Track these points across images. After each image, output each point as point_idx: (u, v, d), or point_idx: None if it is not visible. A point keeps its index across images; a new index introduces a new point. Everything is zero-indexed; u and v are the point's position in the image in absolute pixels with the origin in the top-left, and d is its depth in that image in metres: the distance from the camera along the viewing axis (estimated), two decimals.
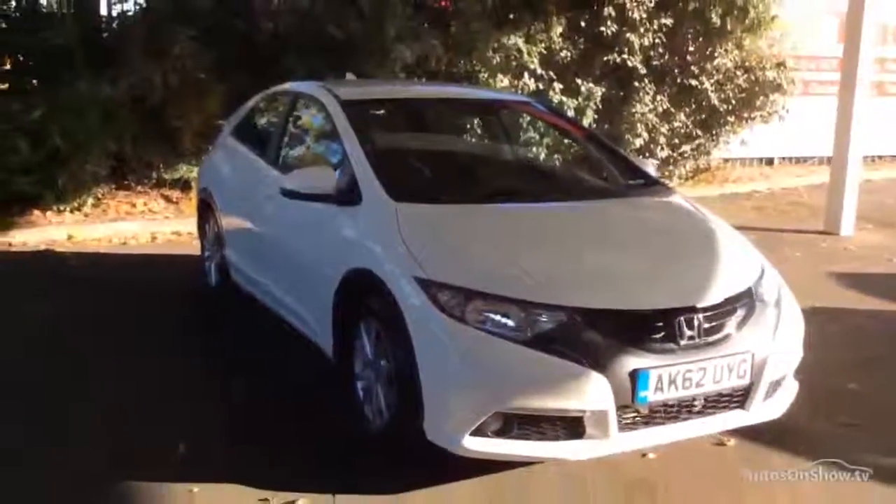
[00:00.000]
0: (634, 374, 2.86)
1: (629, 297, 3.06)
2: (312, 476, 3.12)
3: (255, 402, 3.83)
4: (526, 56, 8.95)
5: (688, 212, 3.98)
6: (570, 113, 9.40)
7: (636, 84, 9.74)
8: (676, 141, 10.34)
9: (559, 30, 9.28)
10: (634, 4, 9.34)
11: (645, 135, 9.87)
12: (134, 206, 7.86)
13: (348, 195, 3.60)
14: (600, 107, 9.70)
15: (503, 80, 9.01)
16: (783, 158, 12.66)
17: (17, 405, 3.74)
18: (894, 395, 4.24)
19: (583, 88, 9.48)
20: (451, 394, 2.94)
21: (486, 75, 8.90)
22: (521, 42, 8.91)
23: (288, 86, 4.99)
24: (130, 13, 9.16)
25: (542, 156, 4.99)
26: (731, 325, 3.13)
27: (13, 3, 9.44)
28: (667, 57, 9.84)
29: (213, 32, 8.24)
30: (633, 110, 9.75)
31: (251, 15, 8.41)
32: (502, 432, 2.90)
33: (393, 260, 3.21)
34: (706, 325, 3.04)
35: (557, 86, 9.33)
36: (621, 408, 2.91)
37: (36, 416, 3.64)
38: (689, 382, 2.96)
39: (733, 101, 10.20)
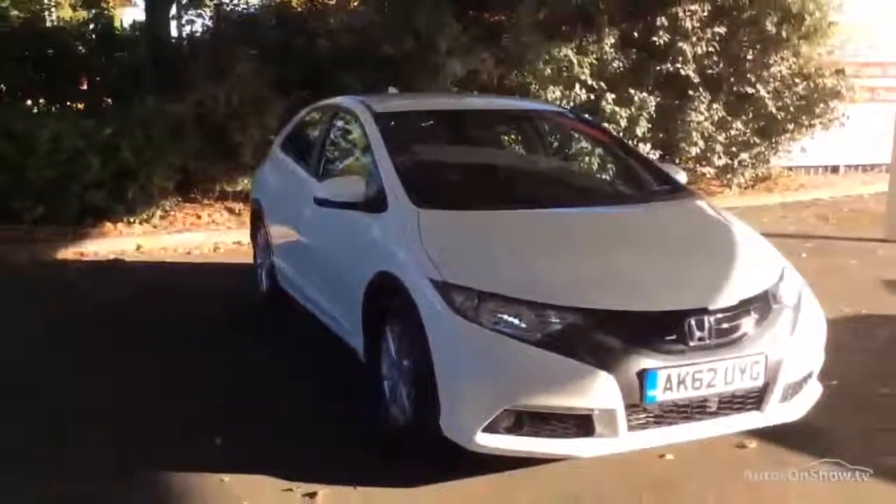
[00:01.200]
0: (642, 374, 2.93)
1: (639, 299, 3.13)
2: (337, 471, 3.28)
3: (295, 402, 4.04)
4: (577, 67, 9.06)
5: (710, 217, 4.03)
6: (623, 123, 9.49)
7: (691, 93, 9.74)
8: (734, 149, 10.27)
9: (611, 40, 9.36)
10: (688, 14, 9.35)
11: (701, 143, 9.84)
12: (199, 217, 8.25)
13: (375, 202, 3.78)
14: (654, 116, 9.75)
15: (555, 92, 9.14)
16: (850, 166, 12.40)
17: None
18: None
19: (636, 98, 9.53)
20: (463, 391, 3.07)
21: (536, 87, 9.06)
22: (571, 53, 9.03)
23: (329, 100, 5.22)
24: (198, 34, 9.64)
25: (588, 165, 5.07)
26: (744, 326, 3.17)
27: (90, 27, 10.07)
28: (722, 65, 9.80)
29: (274, 52, 8.64)
30: (688, 119, 9.74)
31: (310, 34, 8.75)
32: (514, 429, 3.00)
33: (412, 263, 3.36)
34: (718, 327, 3.09)
35: (610, 96, 9.42)
36: (630, 407, 2.97)
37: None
38: (700, 383, 3.02)
39: (792, 109, 10.10)
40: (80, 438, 3.59)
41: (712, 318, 3.09)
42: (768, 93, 9.88)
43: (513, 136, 4.78)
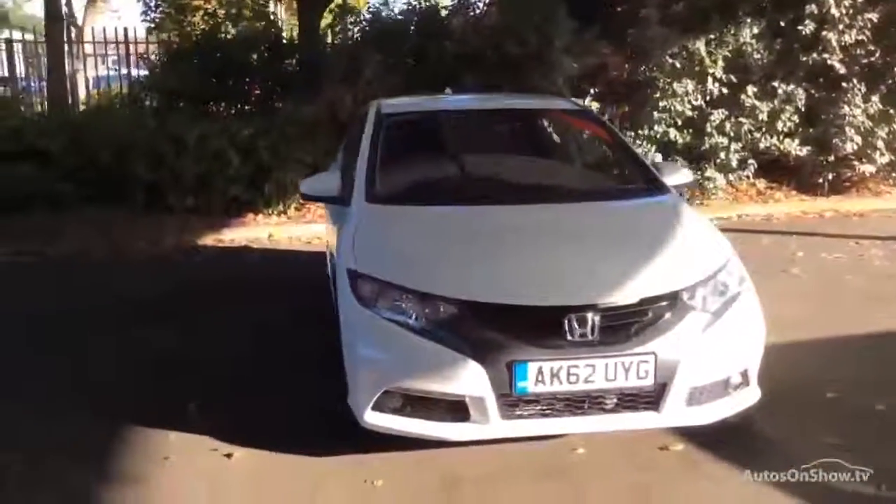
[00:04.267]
0: (511, 366, 3.04)
1: (524, 294, 3.19)
2: (269, 439, 3.59)
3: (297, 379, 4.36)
4: (708, 60, 8.74)
5: (664, 215, 3.93)
6: (762, 117, 9.02)
7: (844, 85, 9.02)
8: None
9: (753, 30, 8.91)
10: (836, 1, 8.69)
11: (857, 139, 9.08)
12: None
13: (348, 197, 4.09)
14: (802, 110, 9.16)
15: (688, 86, 8.89)
16: None
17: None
18: None
19: (780, 91, 9.02)
20: (355, 371, 3.31)
21: (664, 82, 8.86)
22: (702, 46, 8.72)
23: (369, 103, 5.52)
24: (340, 41, 10.38)
25: (575, 162, 4.87)
26: (638, 325, 3.15)
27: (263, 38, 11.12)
28: (878, 55, 8.97)
29: (406, 55, 9.14)
30: (841, 112, 9.04)
31: (440, 38, 9.15)
32: (399, 410, 3.22)
33: (343, 253, 3.63)
34: (606, 324, 3.11)
35: (751, 89, 8.99)
36: (503, 396, 3.08)
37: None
38: (576, 378, 3.06)
39: None
40: None
41: (598, 316, 3.11)
42: None
43: (511, 134, 4.80)
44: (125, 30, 11.31)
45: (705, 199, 9.18)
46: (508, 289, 3.23)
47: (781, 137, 9.26)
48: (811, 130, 9.29)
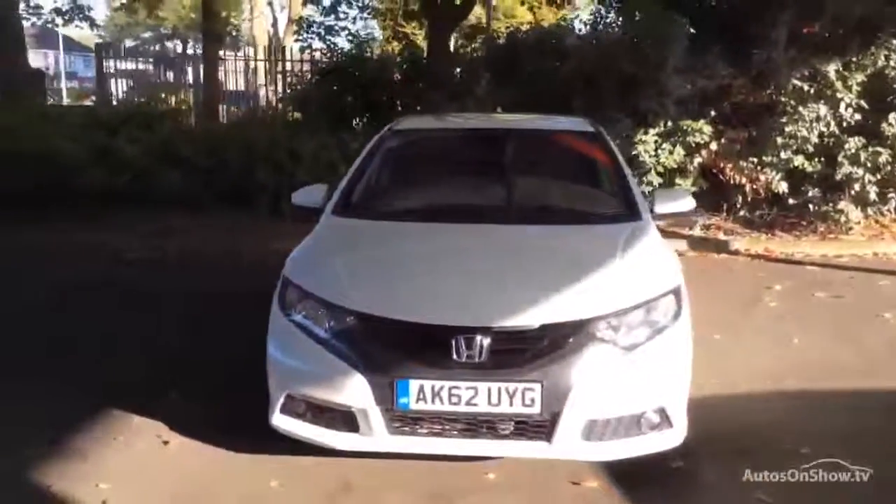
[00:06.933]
0: (393, 382, 3.02)
1: (416, 311, 3.13)
2: (212, 432, 3.72)
3: None
4: (838, 85, 8.06)
5: (619, 242, 3.69)
6: None
7: None
8: None
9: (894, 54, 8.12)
10: None
11: None
12: None
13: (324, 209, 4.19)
14: None
15: (819, 110, 8.23)
16: None
17: None
18: None
19: None
20: (269, 375, 3.38)
21: (790, 105, 8.27)
22: (832, 69, 8.06)
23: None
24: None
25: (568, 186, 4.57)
26: (531, 351, 3.03)
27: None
28: None
29: (517, 74, 9.19)
30: None
31: (554, 58, 9.11)
32: (301, 415, 3.28)
33: (290, 262, 3.69)
34: (497, 347, 3.02)
35: (892, 116, 8.17)
36: (388, 411, 3.07)
37: None
38: (458, 399, 3.01)
39: None
40: None
41: (489, 339, 3.02)
42: None
43: (506, 154, 4.66)
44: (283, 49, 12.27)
45: (839, 234, 8.45)
46: (405, 305, 3.20)
47: None
48: None
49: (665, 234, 8.13)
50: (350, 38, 12.64)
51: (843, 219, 8.36)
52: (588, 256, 3.62)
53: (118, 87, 15.52)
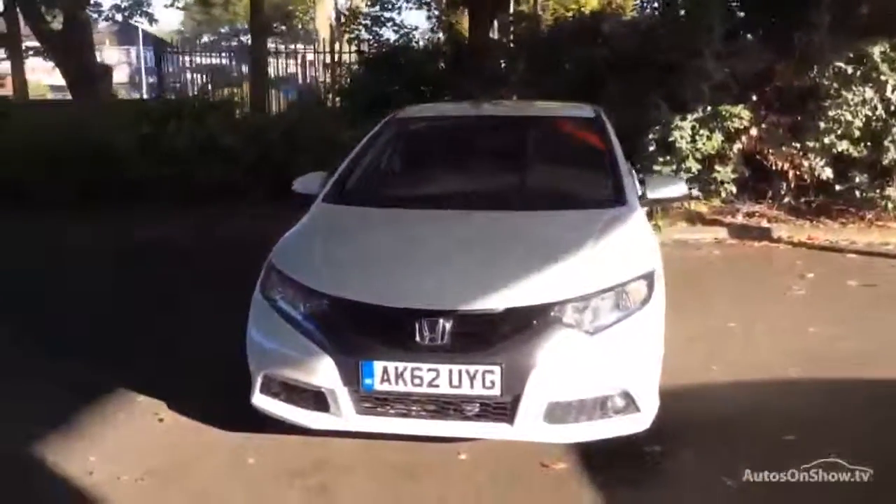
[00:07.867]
0: (359, 363, 3.08)
1: (383, 295, 3.21)
2: (205, 410, 3.85)
3: None
4: (884, 67, 7.74)
5: (597, 227, 3.69)
6: None
7: None
8: None
9: None
10: None
11: None
12: None
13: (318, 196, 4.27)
14: None
15: (864, 93, 7.92)
16: None
17: None
18: None
19: None
20: (248, 355, 3.49)
21: (833, 89, 7.97)
22: (878, 51, 7.74)
23: None
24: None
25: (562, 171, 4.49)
26: (492, 334, 3.07)
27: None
28: None
29: (555, 62, 9.13)
30: None
31: (592, 45, 9.02)
32: (278, 395, 3.38)
33: (276, 247, 3.78)
34: (459, 330, 3.07)
35: None
36: (355, 392, 3.14)
37: None
38: (420, 381, 3.07)
39: None
40: None
41: (451, 322, 3.06)
42: None
43: (504, 141, 4.64)
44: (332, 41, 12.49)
45: (888, 222, 8.14)
46: (373, 289, 3.28)
47: None
48: None
49: (705, 222, 8.26)
50: (395, 28, 12.77)
51: (890, 205, 8.05)
52: (562, 241, 3.63)
53: (194, 82, 16.05)
